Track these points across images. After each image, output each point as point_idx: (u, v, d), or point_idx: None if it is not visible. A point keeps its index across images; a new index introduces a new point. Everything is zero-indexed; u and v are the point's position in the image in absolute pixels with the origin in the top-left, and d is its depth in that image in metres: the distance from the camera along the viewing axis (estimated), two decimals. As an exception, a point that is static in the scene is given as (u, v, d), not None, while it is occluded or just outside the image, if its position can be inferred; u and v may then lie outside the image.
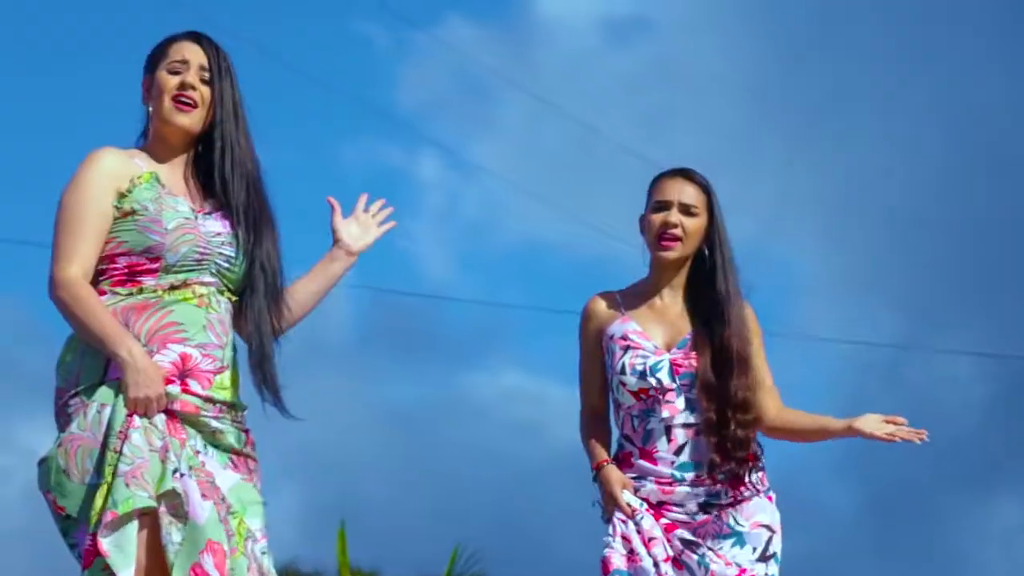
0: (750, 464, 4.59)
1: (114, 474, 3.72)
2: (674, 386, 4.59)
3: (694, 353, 4.61)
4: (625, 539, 4.55)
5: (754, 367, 4.64)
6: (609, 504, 4.60)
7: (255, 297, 3.97)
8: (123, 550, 3.71)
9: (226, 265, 3.95)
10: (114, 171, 3.90)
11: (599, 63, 24.37)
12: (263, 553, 3.88)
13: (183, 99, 3.97)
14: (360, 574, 16.73)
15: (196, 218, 3.93)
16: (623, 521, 4.56)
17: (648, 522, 4.55)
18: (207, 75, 3.99)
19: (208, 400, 3.88)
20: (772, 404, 4.66)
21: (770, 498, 4.65)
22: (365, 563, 17.39)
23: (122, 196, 3.89)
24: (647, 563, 4.51)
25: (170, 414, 3.82)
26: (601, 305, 4.73)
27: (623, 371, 4.60)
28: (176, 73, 3.98)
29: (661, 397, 4.58)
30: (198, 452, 3.84)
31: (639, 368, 4.59)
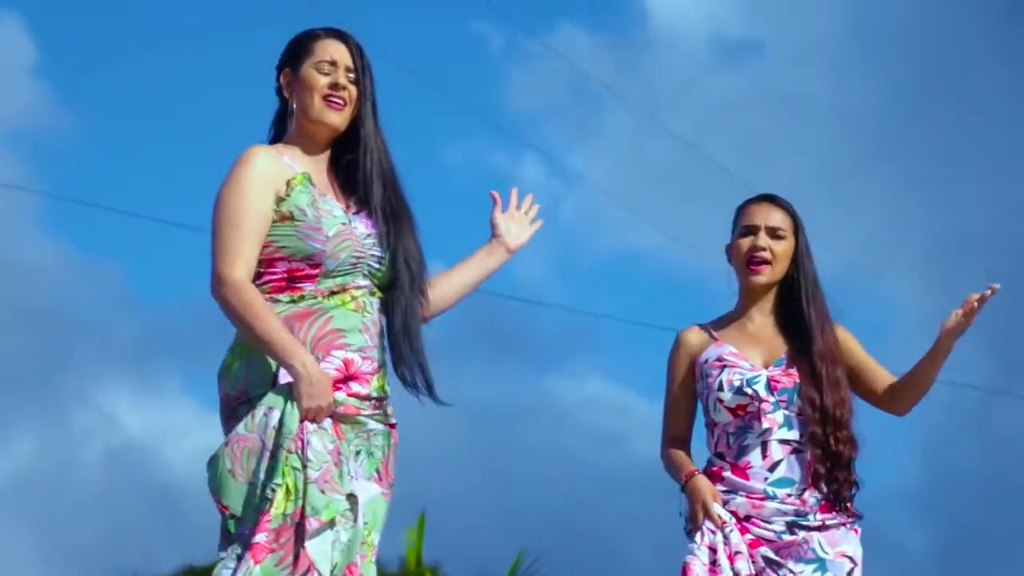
0: (850, 489, 4.62)
1: (305, 481, 3.76)
2: (771, 400, 4.62)
3: (792, 370, 4.65)
4: (711, 549, 4.56)
5: (872, 369, 4.72)
6: (698, 513, 4.60)
7: (401, 292, 3.99)
8: (325, 554, 3.78)
9: (376, 265, 3.98)
10: (271, 173, 3.91)
11: (707, 81, 24.33)
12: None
13: (334, 98, 3.98)
14: (424, 569, 16.79)
15: (350, 221, 3.96)
16: (712, 531, 4.57)
17: (736, 536, 4.56)
18: (352, 75, 4.00)
19: (366, 398, 3.93)
20: (887, 384, 4.72)
21: (856, 531, 4.67)
22: (431, 557, 17.46)
23: (280, 200, 3.91)
24: (727, 575, 4.53)
25: (332, 417, 3.87)
26: (693, 334, 4.77)
27: (720, 388, 4.64)
28: (325, 73, 3.98)
29: (760, 410, 4.61)
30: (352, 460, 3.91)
31: (736, 383, 4.63)
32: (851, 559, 4.63)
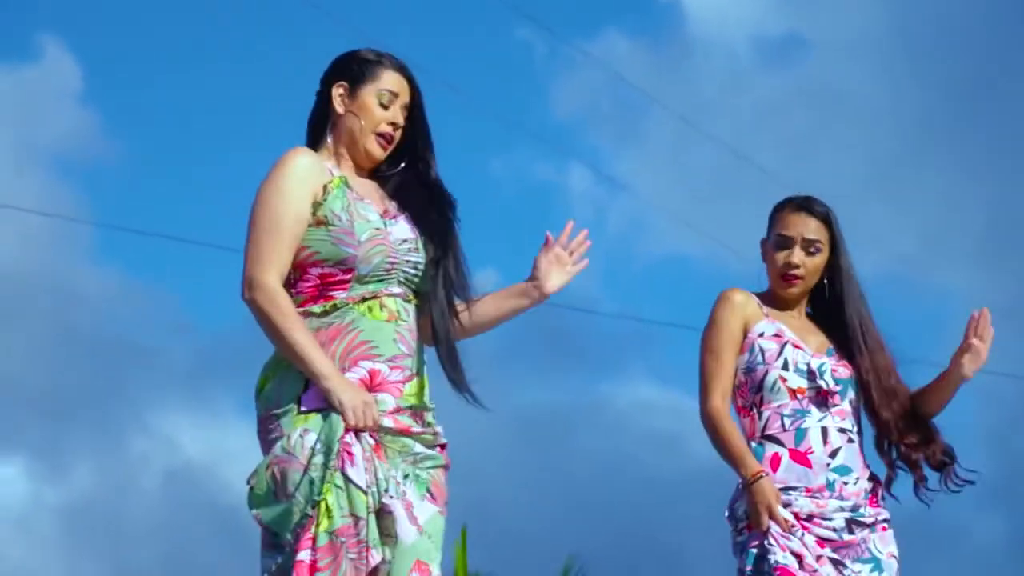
0: (919, 470, 4.72)
1: (367, 509, 3.74)
2: (838, 389, 4.64)
3: (844, 361, 4.68)
4: (796, 555, 4.51)
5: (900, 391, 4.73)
6: (762, 516, 4.53)
7: (439, 298, 3.95)
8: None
9: (412, 271, 3.94)
10: (311, 176, 3.88)
11: (749, 82, 24.27)
12: None
13: (385, 136, 3.98)
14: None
15: (385, 225, 3.92)
16: (785, 536, 4.52)
17: (811, 539, 4.54)
18: (406, 112, 3.99)
19: (398, 411, 3.87)
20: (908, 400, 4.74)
21: (891, 531, 4.70)
22: (482, 566, 17.44)
23: (317, 205, 3.87)
24: None
25: (375, 440, 3.82)
26: (745, 297, 4.73)
27: (786, 367, 4.63)
28: (384, 105, 3.98)
29: (828, 399, 4.63)
30: (398, 482, 3.83)
31: (803, 367, 4.63)
32: (896, 559, 4.67)
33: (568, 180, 24.35)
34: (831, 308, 4.75)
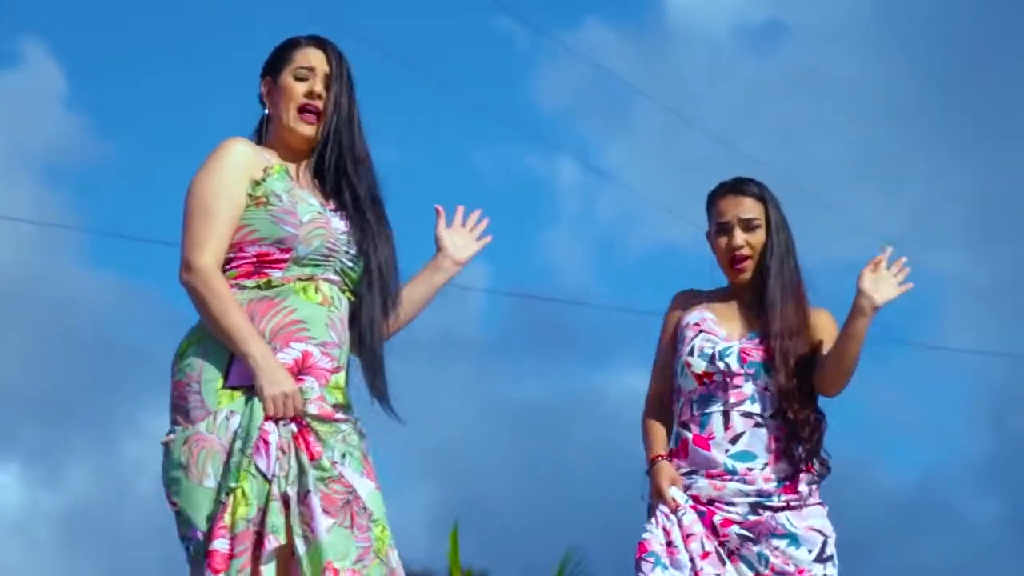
0: (815, 467, 4.62)
1: (268, 494, 3.72)
2: (741, 371, 4.63)
3: (764, 345, 4.65)
4: (665, 531, 4.57)
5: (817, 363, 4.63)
6: (655, 498, 4.64)
7: (371, 300, 3.98)
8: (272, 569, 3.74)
9: (349, 264, 3.97)
10: (247, 160, 3.91)
11: (733, 70, 24.27)
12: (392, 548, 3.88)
13: (308, 109, 3.99)
14: (470, 573, 16.72)
15: (326, 212, 3.96)
16: (666, 515, 4.59)
17: (689, 518, 4.58)
18: (332, 85, 3.99)
19: (322, 398, 3.85)
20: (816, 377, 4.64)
21: (822, 506, 4.66)
22: (478, 562, 17.42)
23: (256, 184, 3.90)
24: (683, 556, 4.54)
25: (301, 426, 3.81)
26: (684, 296, 4.82)
27: (691, 353, 4.66)
28: (303, 80, 4.01)
29: (729, 382, 4.63)
30: (335, 463, 3.82)
31: (707, 351, 4.65)
32: (820, 532, 4.62)
33: (556, 172, 24.36)
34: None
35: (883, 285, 4.54)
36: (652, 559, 4.54)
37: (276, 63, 4.06)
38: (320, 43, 4.05)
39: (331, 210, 3.98)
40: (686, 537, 4.57)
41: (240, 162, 3.90)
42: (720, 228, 4.74)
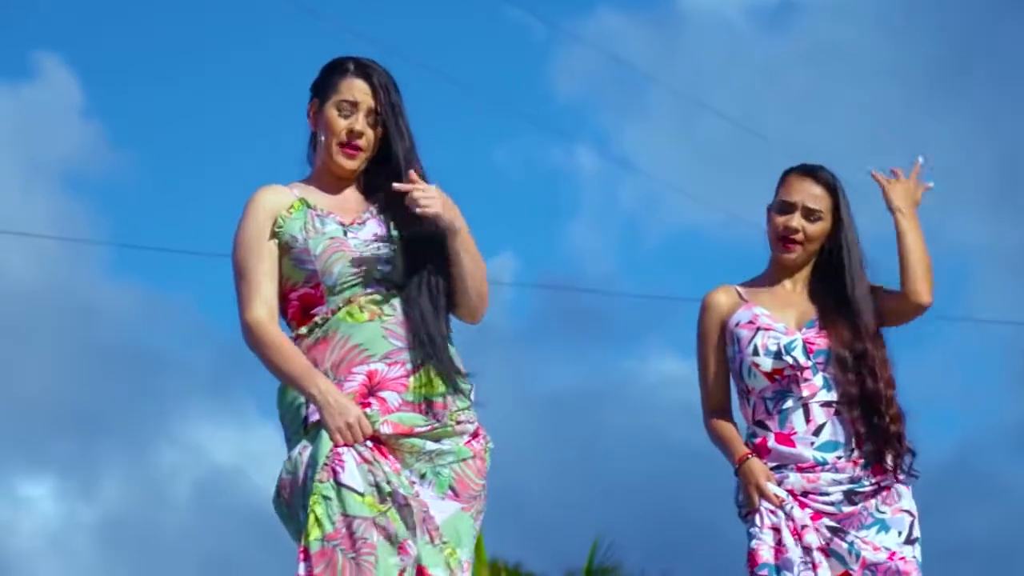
0: (897, 447, 4.63)
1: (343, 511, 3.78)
2: (810, 364, 4.63)
3: (824, 332, 4.65)
4: (774, 529, 4.57)
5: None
6: (753, 496, 4.60)
7: (418, 297, 3.93)
8: None
9: (387, 268, 3.94)
10: (271, 207, 3.96)
11: (747, 50, 24.22)
12: None
13: (350, 145, 3.98)
14: (499, 565, 16.70)
15: (345, 233, 3.95)
16: (772, 512, 4.58)
17: (798, 512, 4.57)
18: (371, 119, 3.98)
19: (403, 405, 3.88)
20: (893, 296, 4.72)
21: (907, 487, 4.67)
22: (511, 552, 17.40)
23: (277, 233, 3.95)
24: (794, 554, 4.53)
25: (378, 443, 3.85)
26: (720, 296, 4.77)
27: (756, 352, 4.64)
28: (345, 116, 3.98)
29: (799, 375, 4.62)
30: (413, 483, 3.87)
31: (772, 348, 4.63)
32: (909, 512, 4.65)
33: (575, 163, 24.33)
34: (832, 279, 4.73)
35: (900, 189, 4.77)
36: (765, 571, 4.54)
37: (322, 87, 4.04)
38: (367, 73, 4.00)
39: (359, 223, 3.95)
40: (800, 529, 4.56)
41: (264, 210, 3.96)
42: (782, 206, 4.74)
